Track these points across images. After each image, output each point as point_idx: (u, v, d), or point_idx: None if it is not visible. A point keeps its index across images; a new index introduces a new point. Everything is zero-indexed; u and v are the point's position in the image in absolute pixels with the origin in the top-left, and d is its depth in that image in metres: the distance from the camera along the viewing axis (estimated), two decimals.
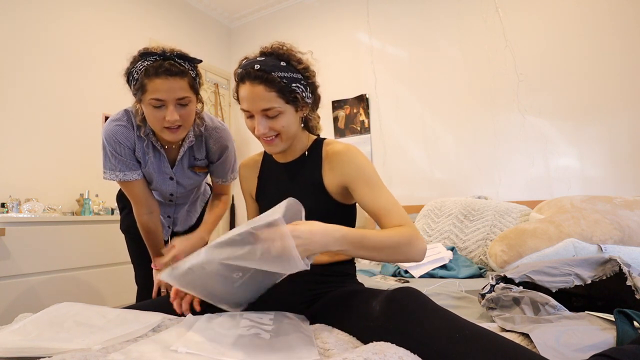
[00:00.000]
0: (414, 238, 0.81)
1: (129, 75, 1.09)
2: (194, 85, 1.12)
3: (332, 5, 3.23)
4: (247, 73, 0.87)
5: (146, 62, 1.05)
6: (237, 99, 0.94)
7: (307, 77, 0.93)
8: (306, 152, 1.00)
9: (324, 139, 1.04)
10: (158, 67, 1.04)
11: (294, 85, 0.89)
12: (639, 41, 2.12)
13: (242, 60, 0.93)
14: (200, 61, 1.13)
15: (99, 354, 0.61)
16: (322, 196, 0.96)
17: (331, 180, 0.95)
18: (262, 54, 0.91)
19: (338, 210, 0.97)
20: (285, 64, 0.89)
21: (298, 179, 1.00)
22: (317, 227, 0.72)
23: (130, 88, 1.11)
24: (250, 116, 0.91)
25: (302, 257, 0.65)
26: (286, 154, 1.02)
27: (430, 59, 2.76)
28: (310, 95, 0.95)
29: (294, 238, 0.65)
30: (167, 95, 1.04)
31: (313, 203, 0.95)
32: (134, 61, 1.08)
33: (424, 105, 2.77)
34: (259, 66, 0.86)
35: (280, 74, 0.87)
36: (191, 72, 1.10)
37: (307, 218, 0.93)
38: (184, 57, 1.09)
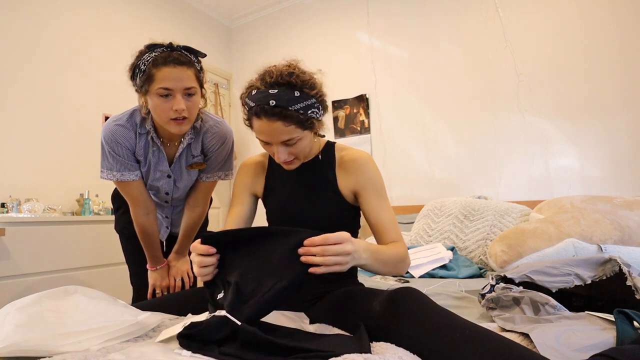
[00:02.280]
0: (406, 255, 0.93)
1: (134, 69, 1.10)
2: (199, 78, 1.13)
3: (332, 5, 3.23)
4: (263, 110, 0.85)
5: (154, 53, 1.07)
6: (250, 126, 0.94)
7: (319, 100, 0.92)
8: (319, 155, 1.03)
9: (334, 142, 1.08)
10: (166, 56, 1.06)
11: (309, 112, 0.88)
12: (638, 41, 2.12)
13: (250, 88, 0.90)
14: (205, 55, 1.15)
15: (99, 354, 0.61)
16: (336, 197, 1.00)
17: (345, 184, 1.00)
18: (274, 84, 0.86)
19: (348, 211, 1.02)
20: (299, 94, 0.87)
21: (312, 180, 1.02)
22: (359, 244, 0.79)
23: (135, 83, 1.11)
24: (267, 143, 0.93)
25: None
26: None
27: (430, 59, 2.76)
28: (323, 112, 0.95)
29: (353, 252, 0.74)
30: (175, 84, 1.05)
31: (327, 202, 1.00)
32: (140, 54, 1.10)
33: (424, 105, 2.77)
34: (274, 102, 0.84)
35: (296, 107, 0.86)
36: (197, 65, 1.13)
37: (321, 216, 0.99)
38: (190, 49, 1.12)
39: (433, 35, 2.75)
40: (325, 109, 0.95)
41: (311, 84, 0.89)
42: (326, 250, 0.70)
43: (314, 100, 0.89)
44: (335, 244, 0.71)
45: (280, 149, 0.91)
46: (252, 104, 0.87)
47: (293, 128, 0.87)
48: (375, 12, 3.01)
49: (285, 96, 0.85)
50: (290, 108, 0.85)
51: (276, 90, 0.86)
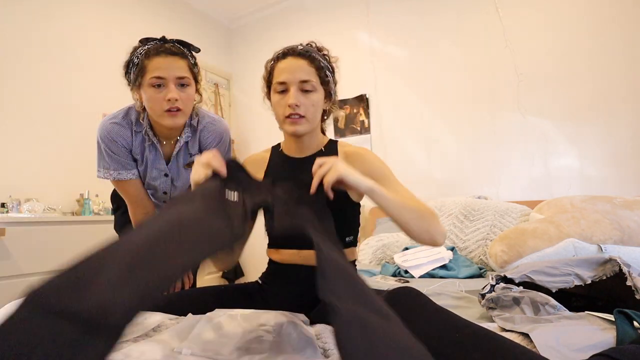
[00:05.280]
0: (436, 216, 0.85)
1: (128, 63, 1.10)
2: (193, 70, 1.14)
3: (332, 5, 3.23)
4: (292, 49, 0.97)
5: (147, 46, 1.09)
6: (268, 79, 1.01)
7: (334, 77, 1.04)
8: (323, 149, 1.05)
9: (337, 140, 1.09)
10: (159, 47, 1.08)
11: (327, 72, 1.00)
12: (639, 40, 2.12)
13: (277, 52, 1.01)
14: (199, 50, 1.17)
15: None
16: (338, 191, 0.98)
17: None
18: (300, 44, 1.00)
19: (349, 206, 1.01)
20: (323, 56, 1.01)
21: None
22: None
23: (129, 78, 1.12)
24: (282, 91, 0.96)
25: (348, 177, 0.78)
26: (303, 149, 1.04)
27: (430, 58, 2.76)
28: (334, 91, 1.04)
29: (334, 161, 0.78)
30: (167, 73, 1.06)
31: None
32: (134, 50, 1.11)
33: (424, 105, 2.77)
34: (302, 47, 0.98)
35: (319, 58, 0.98)
36: (190, 58, 1.14)
37: (323, 208, 0.97)
38: (183, 42, 1.13)
39: (433, 35, 2.75)
40: (335, 92, 1.04)
41: (332, 65, 1.04)
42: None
43: (332, 69, 1.03)
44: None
45: (295, 91, 0.94)
46: (280, 51, 0.99)
47: (314, 72, 0.95)
48: (375, 12, 3.01)
49: (311, 48, 1.00)
50: (314, 54, 0.97)
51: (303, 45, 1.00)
